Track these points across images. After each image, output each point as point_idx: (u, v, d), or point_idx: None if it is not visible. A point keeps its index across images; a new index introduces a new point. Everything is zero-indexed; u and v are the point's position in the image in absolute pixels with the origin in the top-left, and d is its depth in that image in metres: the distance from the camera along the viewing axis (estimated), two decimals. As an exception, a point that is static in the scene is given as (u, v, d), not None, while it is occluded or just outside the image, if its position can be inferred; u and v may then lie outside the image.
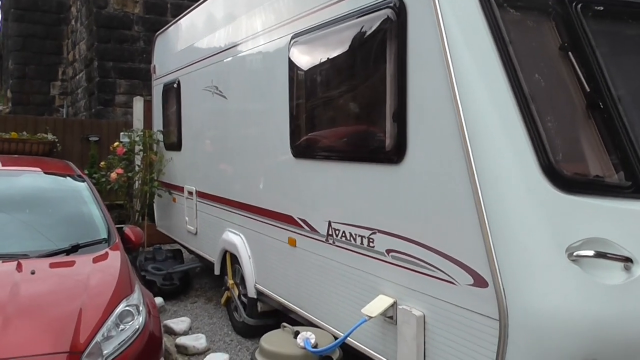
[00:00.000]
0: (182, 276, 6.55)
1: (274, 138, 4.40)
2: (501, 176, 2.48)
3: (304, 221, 3.98)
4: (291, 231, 4.17)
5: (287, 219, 4.22)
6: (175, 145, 6.91)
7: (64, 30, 15.09)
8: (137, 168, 7.54)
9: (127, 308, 3.38)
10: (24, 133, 8.82)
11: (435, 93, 2.77)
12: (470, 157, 2.53)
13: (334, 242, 3.63)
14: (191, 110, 6.42)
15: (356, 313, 3.36)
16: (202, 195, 6.12)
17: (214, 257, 5.72)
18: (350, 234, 3.45)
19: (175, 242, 7.39)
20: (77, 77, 14.08)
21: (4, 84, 17.68)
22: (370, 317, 3.06)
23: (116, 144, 7.29)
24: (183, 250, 7.13)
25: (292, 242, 4.16)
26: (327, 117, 3.79)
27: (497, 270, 2.40)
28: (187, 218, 6.58)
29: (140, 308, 3.46)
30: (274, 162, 4.45)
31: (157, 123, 7.63)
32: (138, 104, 8.97)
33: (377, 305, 3.09)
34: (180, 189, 6.76)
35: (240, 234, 5.11)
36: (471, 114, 2.57)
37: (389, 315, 3.10)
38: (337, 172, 3.61)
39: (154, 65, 7.77)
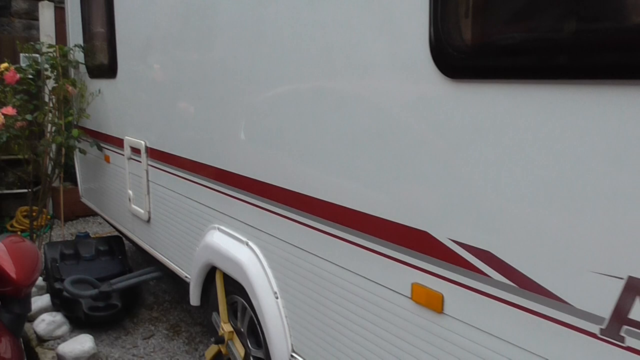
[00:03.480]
0: (125, 292, 3.88)
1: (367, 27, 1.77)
2: None
3: (499, 262, 1.43)
4: (430, 274, 1.61)
5: (408, 238, 1.66)
6: (106, 69, 4.09)
7: None
8: (46, 107, 4.66)
9: None
10: None
11: None
12: None
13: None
14: (133, 6, 3.61)
15: None
16: (158, 155, 3.41)
17: (187, 271, 3.11)
18: None
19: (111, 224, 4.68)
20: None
21: None
22: None
23: (4, 65, 4.33)
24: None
25: (434, 304, 1.61)
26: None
27: None
28: (130, 192, 3.88)
29: None
30: (369, 98, 1.82)
31: (75, 36, 4.75)
32: (46, 12, 6.82)
33: None
34: (118, 142, 4.00)
35: (252, 245, 2.50)
36: None
37: None
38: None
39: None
